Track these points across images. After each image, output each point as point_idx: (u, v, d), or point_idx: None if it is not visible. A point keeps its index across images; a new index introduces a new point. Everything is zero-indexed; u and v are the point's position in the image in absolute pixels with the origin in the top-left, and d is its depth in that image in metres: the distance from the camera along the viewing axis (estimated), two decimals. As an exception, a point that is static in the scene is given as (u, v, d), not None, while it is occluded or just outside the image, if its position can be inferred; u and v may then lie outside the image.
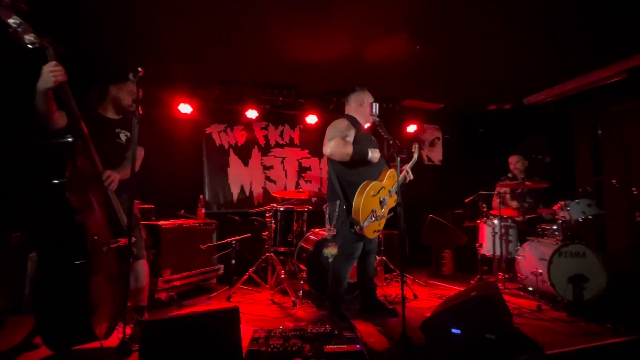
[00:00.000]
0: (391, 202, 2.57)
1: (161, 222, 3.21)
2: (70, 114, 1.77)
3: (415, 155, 2.92)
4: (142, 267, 2.22)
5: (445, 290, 3.59)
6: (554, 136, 5.03)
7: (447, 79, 4.14)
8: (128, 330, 1.78)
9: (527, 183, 3.47)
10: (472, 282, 3.59)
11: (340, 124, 2.57)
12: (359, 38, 3.22)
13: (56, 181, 1.65)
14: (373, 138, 2.66)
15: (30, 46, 1.59)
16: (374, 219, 2.44)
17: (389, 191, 2.55)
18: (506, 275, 3.57)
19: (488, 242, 3.73)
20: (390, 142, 2.20)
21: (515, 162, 4.10)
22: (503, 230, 3.56)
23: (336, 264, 2.63)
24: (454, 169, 5.56)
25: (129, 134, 2.22)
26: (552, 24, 2.95)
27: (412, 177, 2.74)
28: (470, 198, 3.95)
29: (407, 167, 2.77)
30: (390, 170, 2.59)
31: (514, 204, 3.95)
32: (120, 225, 1.98)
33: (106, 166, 1.98)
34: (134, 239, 1.97)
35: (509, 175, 4.14)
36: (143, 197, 3.37)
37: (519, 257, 3.39)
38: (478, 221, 3.94)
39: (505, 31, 3.06)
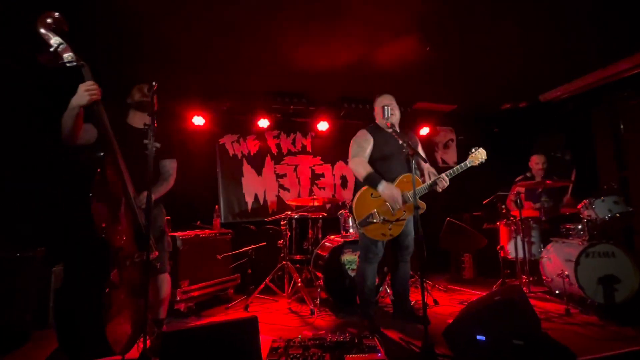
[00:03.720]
0: (410, 207, 2.48)
1: (178, 233, 3.25)
2: (102, 130, 1.81)
3: (467, 162, 2.52)
4: (164, 281, 2.24)
5: (467, 295, 3.49)
6: (572, 133, 4.88)
7: (460, 79, 4.08)
8: (148, 343, 1.79)
9: (547, 182, 3.36)
10: (494, 286, 3.48)
11: (359, 137, 2.65)
12: (367, 43, 3.22)
13: (83, 196, 1.68)
14: (400, 142, 2.58)
15: (68, 65, 1.66)
16: (375, 220, 2.42)
17: (404, 196, 2.47)
18: (530, 278, 3.45)
19: (509, 244, 3.63)
20: (404, 145, 2.18)
21: (538, 162, 3.93)
22: (525, 232, 3.45)
23: (359, 265, 2.68)
24: (469, 171, 5.44)
25: (158, 145, 2.24)
26: (566, 16, 2.86)
27: (445, 184, 2.45)
28: (489, 199, 3.86)
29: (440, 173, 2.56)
30: (408, 175, 2.52)
31: (531, 203, 3.83)
32: (146, 239, 1.99)
33: (134, 176, 1.96)
34: (157, 253, 1.99)
35: (527, 174, 4.02)
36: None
37: (543, 259, 3.27)
38: (498, 223, 3.83)
39: (517, 27, 3.00)
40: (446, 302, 3.23)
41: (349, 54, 3.40)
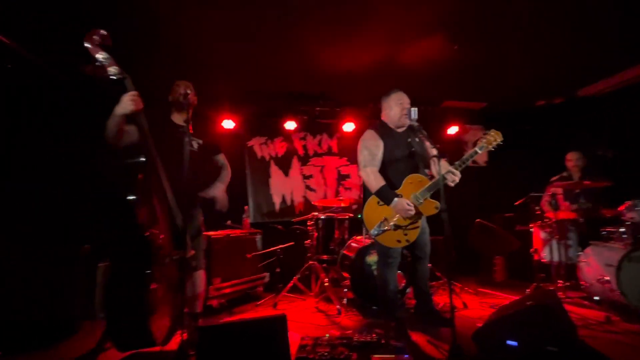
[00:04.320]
0: (423, 208, 2.38)
1: (211, 233, 3.39)
2: (143, 136, 1.94)
3: (477, 149, 2.33)
4: (200, 277, 2.35)
5: (498, 299, 3.39)
6: (614, 130, 4.59)
7: (490, 76, 3.96)
8: (185, 337, 1.90)
9: (585, 182, 3.20)
10: (527, 290, 3.36)
11: (368, 141, 2.50)
12: (393, 43, 3.21)
13: (127, 198, 1.82)
14: (409, 140, 2.51)
15: (113, 78, 1.80)
16: (386, 228, 2.35)
17: (413, 198, 2.37)
18: (567, 283, 3.29)
19: (544, 247, 3.48)
20: (432, 147, 2.16)
21: (575, 160, 3.73)
22: (561, 234, 3.29)
23: (378, 269, 2.64)
24: (500, 170, 5.27)
25: (200, 142, 2.40)
26: (607, 7, 2.69)
27: (457, 178, 2.33)
28: (521, 200, 3.72)
29: (445, 163, 2.41)
30: (411, 176, 2.40)
31: (568, 205, 3.65)
32: (183, 238, 2.11)
33: (179, 173, 2.03)
34: (193, 252, 2.10)
35: (564, 174, 3.83)
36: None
37: (581, 263, 3.12)
38: (531, 225, 3.69)
39: (552, 20, 2.86)
40: (476, 306, 3.16)
41: (375, 55, 3.40)
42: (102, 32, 1.77)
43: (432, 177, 2.47)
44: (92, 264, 3.13)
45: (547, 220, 3.45)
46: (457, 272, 4.27)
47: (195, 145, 2.36)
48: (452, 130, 5.09)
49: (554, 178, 3.80)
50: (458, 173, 2.32)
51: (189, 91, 2.25)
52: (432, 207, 2.38)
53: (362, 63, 3.55)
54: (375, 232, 2.35)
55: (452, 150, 5.19)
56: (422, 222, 2.53)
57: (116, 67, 1.79)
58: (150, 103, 2.40)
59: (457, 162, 2.33)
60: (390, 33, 3.04)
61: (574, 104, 4.61)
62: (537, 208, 3.60)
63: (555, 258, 3.31)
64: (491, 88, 4.32)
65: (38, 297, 2.76)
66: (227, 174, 2.64)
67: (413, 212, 2.32)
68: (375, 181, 2.39)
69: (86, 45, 1.76)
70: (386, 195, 2.35)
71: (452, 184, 2.33)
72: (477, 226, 4.01)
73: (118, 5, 2.51)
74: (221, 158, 2.67)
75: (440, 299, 3.33)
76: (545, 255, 3.46)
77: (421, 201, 2.35)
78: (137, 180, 1.85)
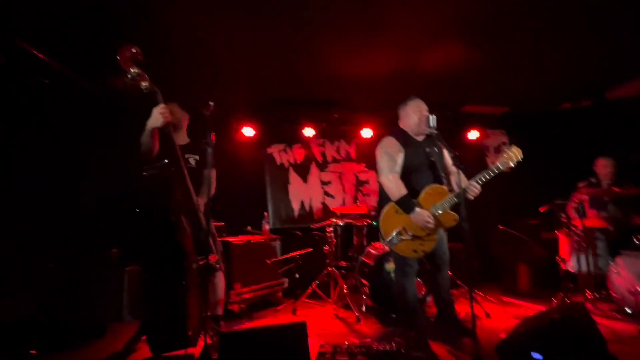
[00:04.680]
0: (442, 219, 2.34)
1: (231, 239, 3.46)
2: (171, 147, 2.03)
3: (499, 164, 2.25)
4: (220, 280, 2.42)
5: (522, 309, 3.29)
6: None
7: (511, 80, 3.88)
8: (208, 340, 1.95)
9: (616, 189, 3.07)
10: (553, 300, 3.24)
11: (389, 147, 2.47)
12: (410, 49, 3.21)
13: (163, 205, 1.90)
14: (428, 149, 2.49)
15: (145, 91, 1.89)
16: (403, 237, 2.32)
17: (432, 208, 2.33)
18: (596, 295, 3.15)
19: (571, 256, 3.35)
20: (451, 155, 2.13)
21: (604, 166, 3.57)
22: (589, 243, 3.17)
23: (396, 279, 2.59)
24: (524, 176, 5.10)
25: (197, 157, 2.46)
26: (635, 3, 2.56)
27: (476, 191, 2.30)
28: (546, 207, 3.60)
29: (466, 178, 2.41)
30: (431, 186, 2.37)
31: (595, 212, 3.50)
32: (202, 244, 2.18)
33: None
34: (216, 257, 2.17)
35: (592, 180, 3.68)
36: (214, 215, 3.67)
37: (611, 274, 2.99)
38: (557, 232, 3.56)
39: (578, 19, 2.75)
40: (499, 315, 3.08)
41: (392, 61, 3.41)
42: (134, 48, 1.86)
43: (451, 187, 2.43)
44: (120, 268, 3.27)
45: (574, 227, 3.33)
46: (478, 280, 4.19)
47: (193, 162, 2.41)
48: (473, 135, 5.02)
49: (582, 184, 3.66)
50: (478, 186, 2.28)
51: (178, 114, 2.34)
52: (450, 219, 2.34)
53: (379, 70, 3.56)
54: (392, 241, 2.33)
55: (473, 156, 5.11)
56: (440, 232, 2.49)
57: (147, 82, 1.87)
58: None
59: (477, 177, 2.29)
60: (408, 40, 3.04)
61: (602, 106, 4.44)
62: (562, 215, 3.47)
63: (584, 268, 3.18)
64: (513, 91, 4.24)
65: (70, 300, 2.90)
66: (206, 188, 2.37)
67: (432, 225, 2.28)
68: (397, 189, 2.35)
69: (119, 60, 1.85)
70: (407, 204, 2.31)
71: (472, 197, 2.30)
72: (499, 233, 3.91)
73: (137, 19, 2.61)
74: (211, 174, 2.40)
75: (462, 308, 3.26)
76: (572, 264, 3.33)
77: (440, 212, 2.31)
78: (171, 188, 1.93)
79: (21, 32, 2.69)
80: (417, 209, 2.29)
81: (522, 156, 2.25)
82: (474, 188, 2.27)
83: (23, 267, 2.87)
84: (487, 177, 2.27)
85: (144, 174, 2.03)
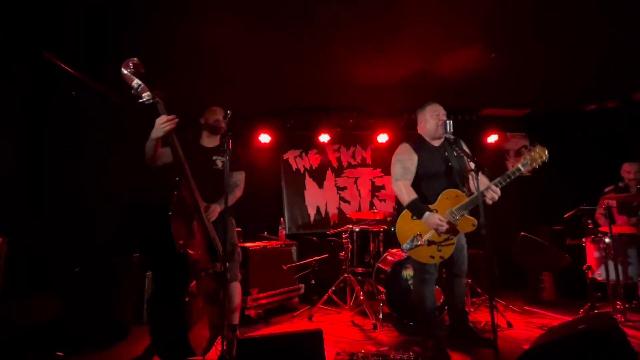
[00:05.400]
0: (459, 225, 2.31)
1: (248, 244, 3.50)
2: (176, 156, 2.09)
3: (520, 166, 2.21)
4: (235, 290, 2.45)
5: (546, 319, 3.17)
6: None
7: (533, 81, 3.78)
8: (225, 347, 1.96)
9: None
10: (581, 310, 3.11)
11: (401, 153, 2.50)
12: (427, 55, 3.19)
13: (163, 214, 1.95)
14: (446, 154, 2.47)
15: (146, 103, 1.96)
16: (419, 243, 2.29)
17: (448, 214, 2.30)
18: (626, 305, 3.00)
19: (599, 264, 3.21)
20: (469, 160, 2.10)
21: (630, 171, 3.42)
22: (618, 251, 3.02)
23: (414, 286, 2.56)
24: (547, 180, 4.95)
25: (224, 159, 2.50)
26: None
27: (496, 196, 2.23)
28: (571, 213, 3.47)
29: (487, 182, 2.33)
30: (447, 191, 2.34)
31: (625, 218, 3.34)
32: (217, 251, 2.22)
33: (205, 191, 2.22)
34: (228, 264, 2.19)
35: (619, 184, 3.52)
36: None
37: (643, 283, 2.84)
38: (583, 239, 3.42)
39: (603, 17, 2.64)
40: (521, 326, 2.97)
41: (409, 66, 3.39)
42: (135, 60, 1.91)
43: (470, 192, 2.38)
44: (142, 272, 3.36)
45: (601, 235, 3.19)
46: (500, 289, 4.06)
47: (220, 164, 2.46)
48: (492, 138, 4.92)
49: (608, 189, 3.51)
50: (498, 190, 2.23)
51: (221, 117, 2.39)
52: (468, 224, 2.30)
53: (395, 74, 3.55)
54: (408, 247, 2.32)
55: (492, 160, 4.99)
56: (460, 239, 2.44)
57: (149, 93, 1.93)
58: (186, 123, 2.58)
59: (497, 180, 2.23)
60: (424, 45, 3.02)
61: (629, 108, 4.26)
62: (589, 221, 3.34)
63: (613, 276, 3.04)
64: (534, 93, 4.13)
65: (95, 303, 2.99)
66: (233, 196, 2.48)
67: (445, 228, 2.25)
68: (407, 194, 2.36)
69: (123, 72, 1.91)
70: (417, 209, 2.32)
71: (491, 202, 2.23)
72: (522, 240, 3.79)
73: (150, 26, 2.68)
74: (238, 176, 2.56)
75: (482, 317, 3.17)
76: (600, 273, 3.19)
77: (457, 217, 2.28)
78: (172, 200, 1.97)
79: (46, 44, 2.83)
80: (427, 213, 2.28)
81: (547, 156, 2.18)
82: (492, 192, 2.22)
83: (50, 270, 2.99)
84: (508, 180, 2.22)
85: (151, 184, 2.10)
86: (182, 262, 1.94)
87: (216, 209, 2.27)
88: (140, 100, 1.94)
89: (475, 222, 2.27)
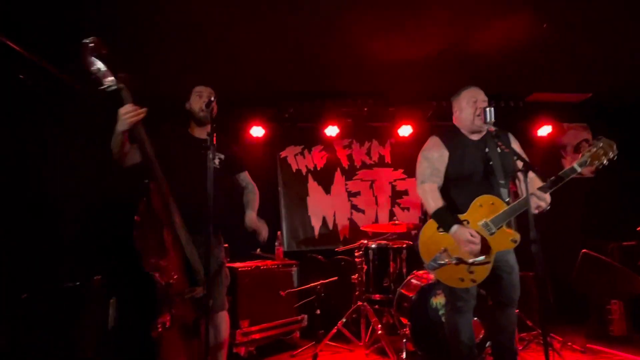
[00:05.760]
0: (495, 241, 2.27)
1: (237, 264, 3.51)
2: (144, 155, 2.10)
3: (576, 165, 2.19)
4: (222, 320, 2.42)
5: (616, 359, 3.12)
6: None
7: (595, 59, 3.75)
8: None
9: None
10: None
11: (429, 149, 2.49)
12: (460, 26, 3.19)
13: (128, 226, 1.96)
14: (487, 151, 2.42)
15: (108, 89, 1.98)
16: (445, 261, 2.26)
17: (482, 226, 2.28)
18: None
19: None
20: (517, 159, 2.08)
21: None
22: None
23: (446, 317, 2.56)
24: (614, 184, 4.90)
25: (222, 157, 2.52)
26: None
27: (543, 204, 2.21)
28: (646, 225, 3.44)
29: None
30: (482, 197, 2.30)
31: None
32: (197, 272, 2.21)
33: (198, 192, 2.18)
34: (201, 290, 2.18)
35: None
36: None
37: None
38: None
39: None
40: (584, 368, 2.94)
41: (435, 42, 3.41)
42: (95, 39, 1.94)
43: (516, 199, 2.35)
44: (104, 299, 3.38)
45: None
46: (556, 321, 4.01)
47: (217, 162, 2.44)
48: (544, 130, 4.91)
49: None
50: (546, 197, 2.19)
51: (212, 98, 2.36)
52: (507, 239, 2.26)
53: (420, 53, 3.56)
54: (432, 265, 2.30)
55: (545, 158, 4.96)
56: (508, 256, 2.41)
57: (112, 78, 1.96)
58: (167, 112, 2.59)
59: (545, 184, 2.19)
60: (457, 15, 3.03)
61: None
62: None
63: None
64: (599, 72, 4.10)
65: (48, 335, 3.01)
66: (254, 198, 2.70)
67: (478, 248, 2.21)
68: (433, 201, 2.35)
69: (81, 54, 1.94)
70: (444, 219, 2.30)
71: (537, 211, 2.19)
72: (583, 259, 3.76)
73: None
74: (245, 177, 2.74)
75: (533, 357, 3.14)
76: (685, 301, 3.14)
77: (493, 231, 2.24)
78: (139, 208, 1.98)
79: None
80: (456, 226, 2.25)
81: (616, 153, 2.16)
82: (540, 200, 2.18)
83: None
84: (559, 183, 2.19)
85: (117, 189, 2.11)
86: (152, 284, 1.95)
87: (252, 215, 2.47)
88: (102, 87, 1.97)
89: (517, 237, 2.24)
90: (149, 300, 1.99)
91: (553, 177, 2.20)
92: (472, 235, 2.20)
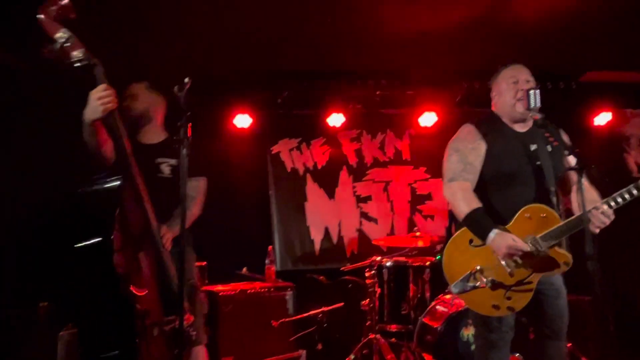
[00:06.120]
0: (542, 263, 2.27)
1: (218, 287, 3.52)
2: (120, 149, 2.10)
3: None
4: (199, 357, 2.42)
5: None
6: None
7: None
8: None
9: None
10: None
11: (461, 140, 2.47)
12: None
13: (99, 240, 1.95)
14: (532, 147, 2.41)
15: (77, 64, 1.97)
16: (477, 283, 2.25)
17: (529, 241, 2.25)
18: None
19: None
20: (570, 155, 2.08)
21: None
22: None
23: (477, 353, 2.55)
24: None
25: (173, 162, 2.51)
26: None
27: (607, 220, 2.20)
28: None
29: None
30: (531, 207, 2.29)
31: None
32: (173, 297, 2.20)
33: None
34: (192, 318, 2.19)
35: None
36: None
37: None
38: None
39: None
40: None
41: (469, 6, 3.40)
42: (63, 1, 1.93)
43: (567, 210, 2.35)
44: (52, 329, 3.38)
45: None
46: (617, 356, 4.02)
47: (168, 171, 2.48)
48: (602, 118, 4.92)
49: None
50: (609, 212, 2.18)
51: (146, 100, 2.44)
52: (559, 261, 2.26)
53: (446, 23, 3.56)
54: (459, 288, 2.27)
55: (603, 152, 4.97)
56: (555, 281, 2.42)
57: (82, 50, 1.94)
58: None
59: (609, 198, 2.20)
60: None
61: None
62: None
63: None
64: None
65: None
66: (189, 214, 2.39)
67: (519, 257, 2.20)
68: (465, 202, 2.32)
69: (40, 19, 1.92)
70: (480, 224, 2.27)
71: (598, 230, 2.19)
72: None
73: None
74: (194, 185, 2.55)
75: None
76: None
77: (542, 250, 2.24)
78: (112, 213, 1.98)
79: None
80: (495, 231, 2.21)
81: None
82: (601, 214, 2.17)
83: None
84: (628, 197, 2.20)
85: (80, 191, 2.10)
86: (124, 308, 1.95)
87: (166, 235, 2.27)
88: (68, 61, 1.95)
89: (570, 260, 2.24)
90: (118, 335, 1.98)
91: (620, 192, 2.20)
92: (513, 241, 2.17)
